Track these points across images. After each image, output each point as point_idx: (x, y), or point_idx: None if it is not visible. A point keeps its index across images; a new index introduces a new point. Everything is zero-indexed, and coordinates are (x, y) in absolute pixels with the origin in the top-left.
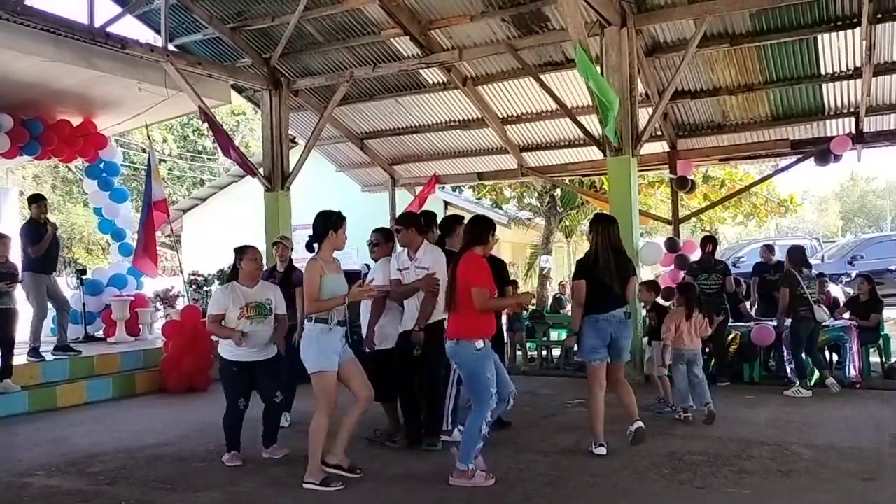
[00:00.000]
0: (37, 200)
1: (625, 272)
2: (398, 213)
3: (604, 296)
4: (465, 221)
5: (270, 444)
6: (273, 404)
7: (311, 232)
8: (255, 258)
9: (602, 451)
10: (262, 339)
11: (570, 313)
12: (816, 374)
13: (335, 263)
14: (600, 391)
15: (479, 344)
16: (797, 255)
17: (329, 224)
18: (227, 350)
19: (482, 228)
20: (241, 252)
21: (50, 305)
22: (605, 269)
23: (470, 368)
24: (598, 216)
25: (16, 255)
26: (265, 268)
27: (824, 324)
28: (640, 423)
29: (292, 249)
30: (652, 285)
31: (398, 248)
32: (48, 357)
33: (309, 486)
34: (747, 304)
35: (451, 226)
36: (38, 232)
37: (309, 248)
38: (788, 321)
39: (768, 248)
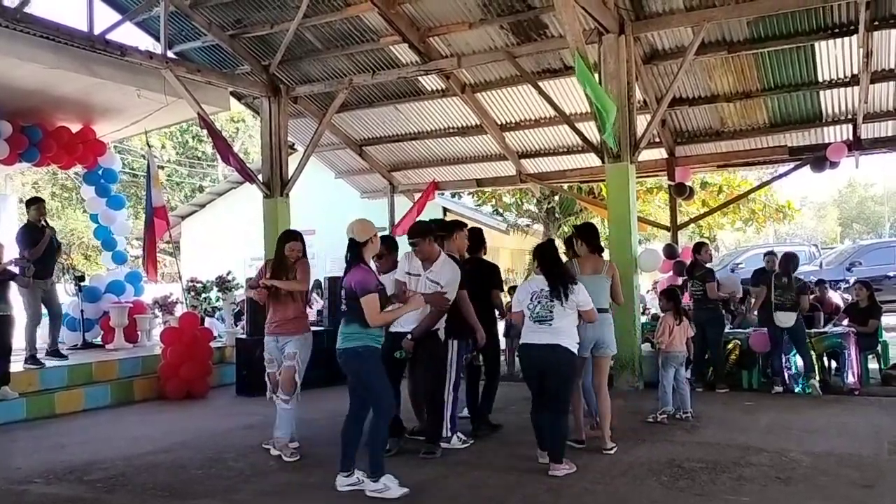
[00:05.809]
0: (35, 203)
1: None
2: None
3: None
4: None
5: None
6: None
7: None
8: None
9: None
10: None
11: None
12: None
13: None
14: None
15: None
16: (783, 260)
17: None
18: None
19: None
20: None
21: (44, 311)
22: None
23: None
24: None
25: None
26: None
27: (822, 329)
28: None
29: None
30: None
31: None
32: (47, 363)
33: (610, 450)
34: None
35: (452, 231)
36: (35, 236)
37: (599, 249)
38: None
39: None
